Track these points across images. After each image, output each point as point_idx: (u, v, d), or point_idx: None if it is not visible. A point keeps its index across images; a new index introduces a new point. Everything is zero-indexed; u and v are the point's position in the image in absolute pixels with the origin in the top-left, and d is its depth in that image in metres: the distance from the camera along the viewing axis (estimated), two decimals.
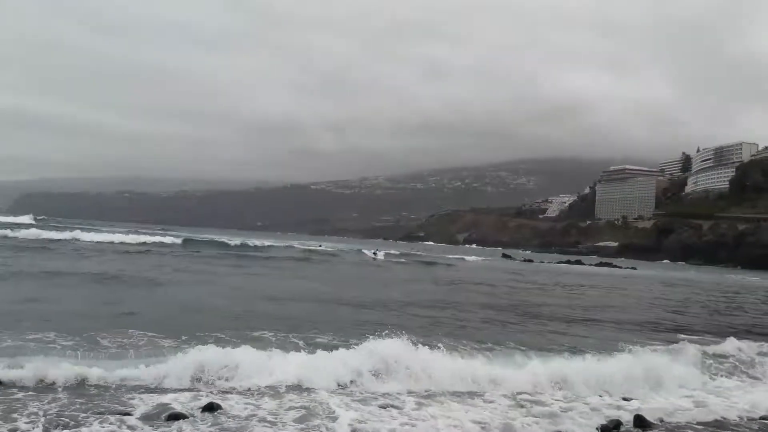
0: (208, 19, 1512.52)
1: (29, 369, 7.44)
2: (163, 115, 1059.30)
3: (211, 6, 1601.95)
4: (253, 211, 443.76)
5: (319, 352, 9.20)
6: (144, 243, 41.06)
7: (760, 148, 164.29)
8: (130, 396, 7.14)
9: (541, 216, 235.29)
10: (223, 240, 51.79)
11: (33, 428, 5.91)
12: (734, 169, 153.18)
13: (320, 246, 61.85)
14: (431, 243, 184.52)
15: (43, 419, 6.13)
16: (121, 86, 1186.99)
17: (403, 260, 46.77)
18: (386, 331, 9.65)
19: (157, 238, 45.13)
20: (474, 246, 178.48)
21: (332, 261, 41.03)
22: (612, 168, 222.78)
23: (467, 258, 59.73)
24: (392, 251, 56.29)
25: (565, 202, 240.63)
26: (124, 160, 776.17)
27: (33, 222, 61.84)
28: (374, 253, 49.50)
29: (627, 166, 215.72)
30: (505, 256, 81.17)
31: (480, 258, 64.31)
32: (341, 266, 36.82)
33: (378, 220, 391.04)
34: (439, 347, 9.63)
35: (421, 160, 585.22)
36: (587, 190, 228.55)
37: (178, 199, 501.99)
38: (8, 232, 36.94)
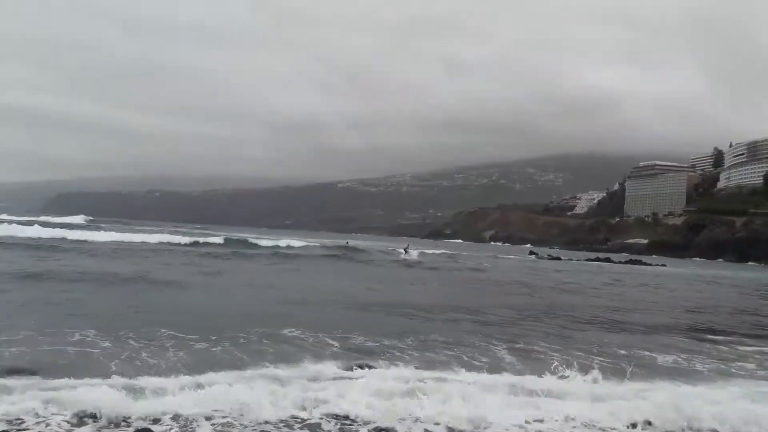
0: (232, 19, 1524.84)
1: None
2: (190, 115, 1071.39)
3: (234, 5, 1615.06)
4: (281, 209, 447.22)
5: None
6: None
7: None
8: None
9: (569, 213, 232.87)
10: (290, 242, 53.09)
11: None
12: None
13: (347, 243, 62.24)
14: (459, 240, 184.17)
15: None
16: (148, 86, 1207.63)
17: (440, 260, 45.96)
18: None
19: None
20: (501, 244, 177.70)
21: (370, 261, 40.18)
22: (641, 164, 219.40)
23: (500, 256, 59.29)
24: (426, 251, 55.48)
25: (593, 199, 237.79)
26: (153, 159, 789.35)
27: (85, 222, 64.02)
28: (405, 251, 48.73)
29: (657, 162, 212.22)
30: (532, 253, 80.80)
31: (511, 256, 63.87)
32: (381, 267, 35.69)
33: (404, 217, 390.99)
34: None
35: (447, 157, 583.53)
36: (616, 187, 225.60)
37: (207, 197, 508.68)
38: (86, 236, 37.86)
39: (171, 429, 6.29)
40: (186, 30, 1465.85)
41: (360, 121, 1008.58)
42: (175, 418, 6.50)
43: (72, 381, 7.25)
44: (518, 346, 11.72)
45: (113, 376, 7.63)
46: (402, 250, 48.81)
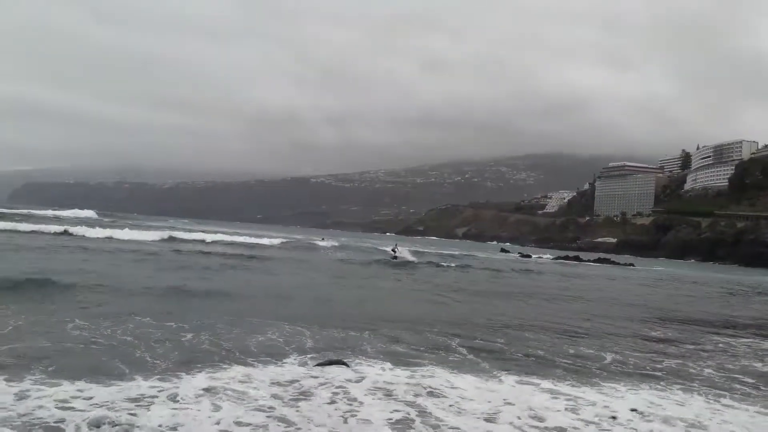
0: (209, 10, 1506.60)
1: None
2: (164, 105, 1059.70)
3: None
4: (254, 203, 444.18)
5: None
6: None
7: (760, 146, 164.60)
8: None
9: (540, 212, 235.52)
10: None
11: None
12: (734, 167, 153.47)
13: (322, 239, 61.74)
14: (433, 237, 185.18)
15: None
16: (121, 76, 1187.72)
17: (428, 259, 41.55)
18: None
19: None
20: (472, 241, 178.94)
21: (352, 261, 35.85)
22: (611, 164, 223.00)
23: (480, 255, 57.93)
24: (415, 249, 51.56)
25: (564, 198, 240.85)
26: (125, 150, 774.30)
27: (97, 217, 63.34)
28: (393, 251, 44.03)
29: (626, 163, 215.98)
30: (503, 251, 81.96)
31: (498, 256, 63.20)
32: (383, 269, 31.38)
33: (378, 213, 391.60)
34: None
35: (422, 154, 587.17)
36: (586, 186, 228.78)
37: (178, 190, 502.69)
38: (138, 237, 36.47)
39: None
40: (162, 19, 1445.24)
41: (336, 116, 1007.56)
42: None
43: None
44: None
45: None
46: (391, 250, 45.08)
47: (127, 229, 39.83)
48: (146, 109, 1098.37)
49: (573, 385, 8.51)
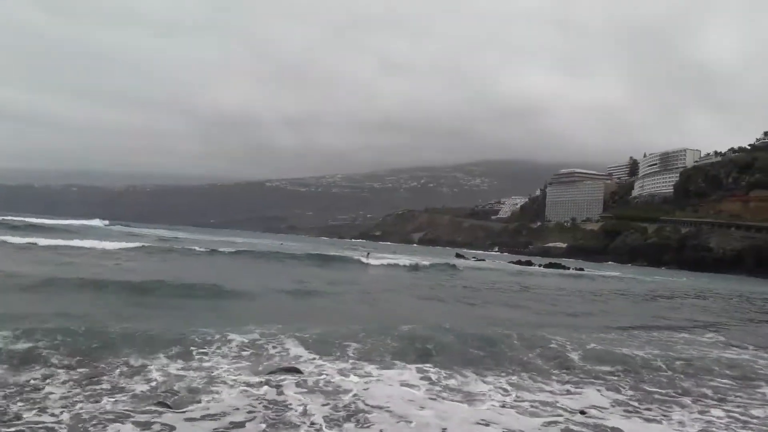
0: (164, 3, 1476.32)
1: None
2: (114, 103, 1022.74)
3: None
4: (206, 207, 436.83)
5: None
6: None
7: (702, 155, 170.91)
8: None
9: (493, 217, 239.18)
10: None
11: None
12: (678, 175, 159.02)
13: (281, 244, 61.10)
14: (388, 243, 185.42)
15: None
16: (68, 71, 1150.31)
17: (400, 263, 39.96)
18: None
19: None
20: (429, 246, 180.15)
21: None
22: (562, 171, 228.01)
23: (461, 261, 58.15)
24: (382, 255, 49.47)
25: (516, 204, 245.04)
26: (72, 151, 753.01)
27: (103, 226, 62.32)
28: (367, 256, 43.14)
29: (576, 170, 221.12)
30: (458, 255, 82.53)
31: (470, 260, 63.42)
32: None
33: (334, 218, 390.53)
34: None
35: (380, 159, 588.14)
36: (538, 192, 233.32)
37: (128, 193, 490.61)
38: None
39: None
40: (114, 11, 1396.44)
41: (293, 119, 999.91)
42: None
43: None
44: None
45: None
46: (363, 258, 43.31)
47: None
48: (95, 106, 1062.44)
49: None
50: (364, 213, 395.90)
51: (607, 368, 10.21)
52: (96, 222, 72.20)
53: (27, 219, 58.93)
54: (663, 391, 9.02)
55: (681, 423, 7.53)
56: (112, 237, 39.98)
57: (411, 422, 6.66)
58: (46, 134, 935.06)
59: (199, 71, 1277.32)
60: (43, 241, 29.83)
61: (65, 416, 6.14)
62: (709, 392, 9.13)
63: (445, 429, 6.56)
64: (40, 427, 5.82)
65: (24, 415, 6.07)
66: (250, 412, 6.65)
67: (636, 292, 34.52)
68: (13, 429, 5.73)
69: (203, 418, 6.40)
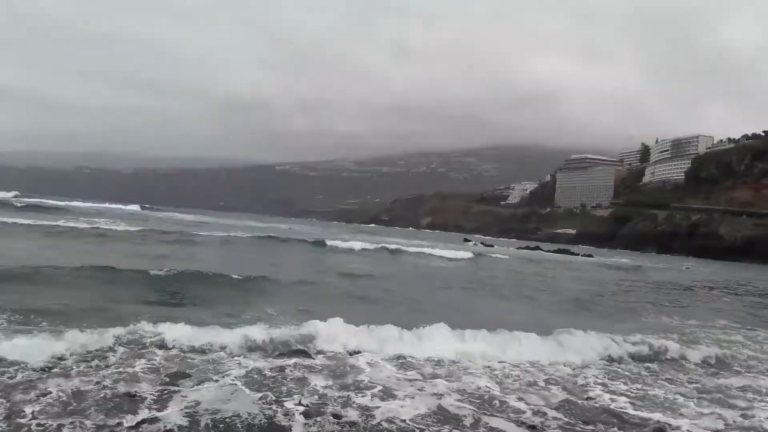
0: None
1: None
2: (127, 86, 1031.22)
3: None
4: (216, 190, 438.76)
5: None
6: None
7: (715, 141, 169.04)
8: None
9: (502, 202, 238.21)
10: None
11: None
12: (690, 161, 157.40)
13: (289, 228, 61.24)
14: (398, 228, 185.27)
15: None
16: (83, 55, 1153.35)
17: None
18: None
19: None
20: (437, 231, 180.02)
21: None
22: (573, 156, 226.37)
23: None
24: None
25: (526, 190, 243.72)
26: (85, 134, 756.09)
27: (141, 210, 63.96)
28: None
29: (588, 155, 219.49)
30: (466, 240, 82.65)
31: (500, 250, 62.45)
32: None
33: (344, 202, 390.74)
34: None
35: (390, 143, 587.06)
36: (548, 178, 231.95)
37: (139, 176, 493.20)
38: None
39: None
40: None
41: (304, 103, 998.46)
42: None
43: None
44: None
45: None
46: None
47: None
48: (108, 90, 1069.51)
49: None
50: (373, 197, 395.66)
51: None
52: (135, 207, 74.12)
53: (73, 203, 60.47)
54: None
55: None
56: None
57: None
58: (61, 118, 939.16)
59: (214, 56, 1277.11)
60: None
61: None
62: None
63: None
64: None
65: None
66: None
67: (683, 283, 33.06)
68: None
69: None
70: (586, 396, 7.78)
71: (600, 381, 8.67)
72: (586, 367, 9.45)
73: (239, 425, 5.77)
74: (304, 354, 8.54)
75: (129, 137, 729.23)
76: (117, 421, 5.58)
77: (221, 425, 5.74)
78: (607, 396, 7.86)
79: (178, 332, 8.50)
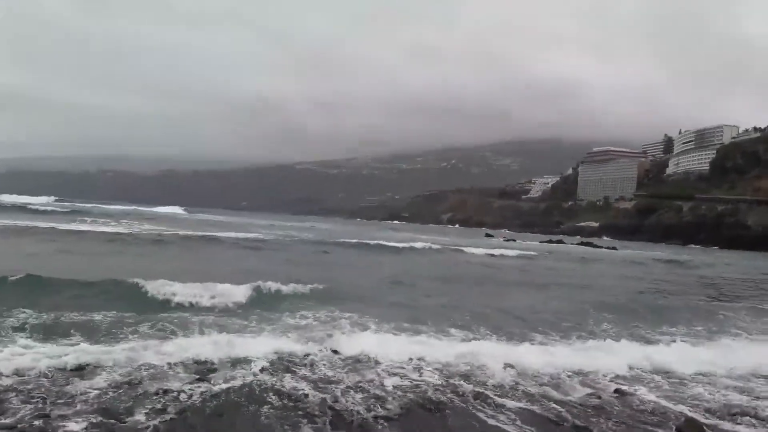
0: None
1: None
2: (149, 92, 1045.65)
3: None
4: (239, 190, 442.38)
5: None
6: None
7: (740, 131, 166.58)
8: None
9: (524, 197, 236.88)
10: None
11: None
12: (715, 152, 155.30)
13: (311, 226, 62.05)
14: (417, 224, 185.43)
15: None
16: (106, 62, 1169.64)
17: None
18: None
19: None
20: (457, 226, 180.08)
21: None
22: (595, 149, 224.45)
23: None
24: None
25: (547, 183, 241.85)
26: (109, 138, 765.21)
27: (52, 203, 63.56)
28: None
29: (610, 148, 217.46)
30: (488, 235, 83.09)
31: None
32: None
33: (364, 200, 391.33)
34: None
35: (409, 140, 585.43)
36: (569, 171, 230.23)
37: (163, 178, 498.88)
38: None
39: None
40: (146, 5, 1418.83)
41: (323, 102, 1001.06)
42: None
43: None
44: None
45: None
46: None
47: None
48: (131, 96, 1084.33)
49: None
50: (393, 194, 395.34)
51: None
52: (177, 209, 75.71)
53: (117, 206, 61.71)
54: None
55: None
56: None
57: None
58: (84, 124, 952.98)
59: (230, 60, 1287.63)
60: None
61: None
62: None
63: None
64: None
65: None
66: None
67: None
68: None
69: None
70: None
71: None
72: None
73: None
74: None
75: (152, 141, 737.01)
76: None
77: None
78: None
79: None
